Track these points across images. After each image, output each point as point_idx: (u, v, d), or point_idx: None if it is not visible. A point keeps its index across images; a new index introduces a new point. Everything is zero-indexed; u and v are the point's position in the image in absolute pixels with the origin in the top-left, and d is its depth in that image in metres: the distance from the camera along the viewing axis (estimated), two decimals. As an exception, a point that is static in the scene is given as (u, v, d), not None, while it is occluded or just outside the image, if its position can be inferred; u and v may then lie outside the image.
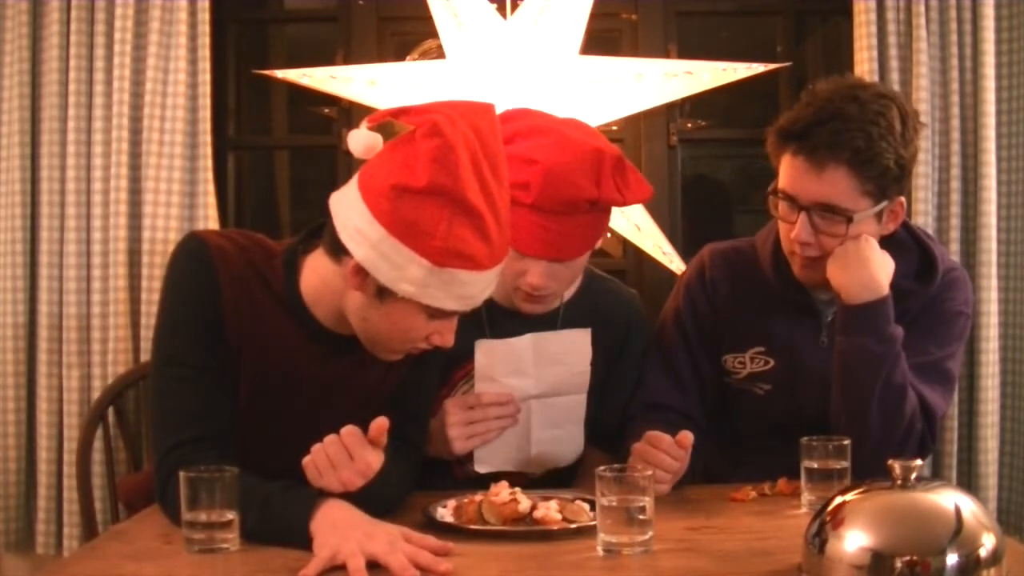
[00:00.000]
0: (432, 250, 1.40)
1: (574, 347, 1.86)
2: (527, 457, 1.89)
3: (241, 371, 1.57)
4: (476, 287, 1.47)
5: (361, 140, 1.51)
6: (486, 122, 1.46)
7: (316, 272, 1.56)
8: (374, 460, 1.45)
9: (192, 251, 1.57)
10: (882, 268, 1.76)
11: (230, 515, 1.37)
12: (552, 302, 1.86)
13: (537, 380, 1.85)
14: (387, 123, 1.56)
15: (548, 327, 1.90)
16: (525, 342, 1.84)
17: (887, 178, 1.72)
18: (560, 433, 1.90)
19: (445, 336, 1.53)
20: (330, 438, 1.43)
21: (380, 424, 1.44)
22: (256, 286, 1.57)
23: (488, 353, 1.83)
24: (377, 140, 1.52)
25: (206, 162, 2.64)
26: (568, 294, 1.94)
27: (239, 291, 1.55)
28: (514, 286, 1.80)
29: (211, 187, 2.64)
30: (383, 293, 1.46)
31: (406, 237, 1.40)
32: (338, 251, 1.49)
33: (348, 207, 1.46)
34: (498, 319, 1.90)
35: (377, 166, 1.47)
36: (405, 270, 1.42)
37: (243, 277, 1.56)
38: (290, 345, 1.58)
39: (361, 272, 1.45)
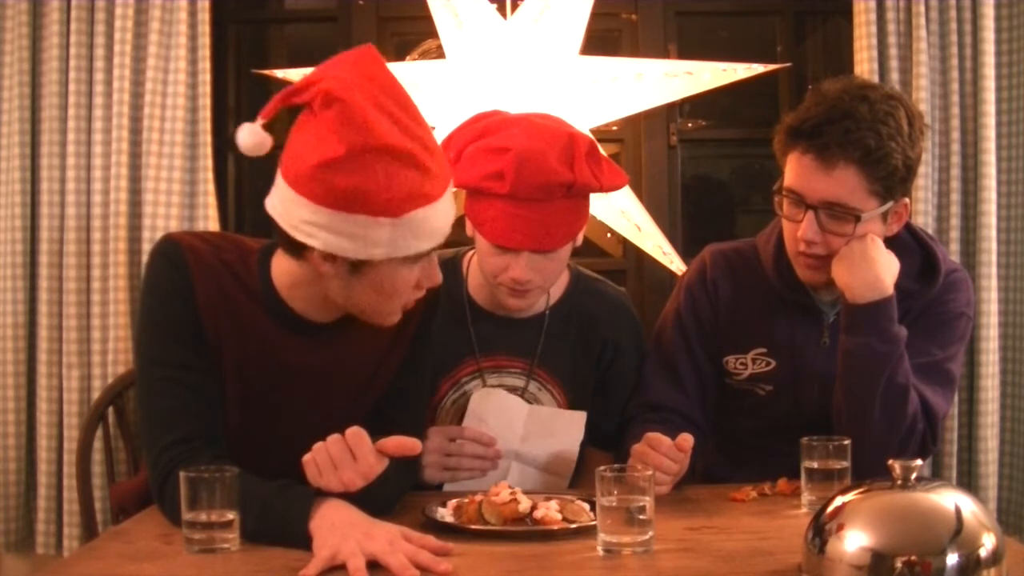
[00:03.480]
0: (384, 205, 1.39)
1: (567, 427, 1.86)
2: None
3: (225, 369, 1.57)
4: (439, 219, 1.46)
5: (248, 138, 1.48)
6: (374, 65, 1.45)
7: (284, 270, 1.56)
8: (377, 463, 1.44)
9: (165, 253, 1.57)
10: (887, 268, 1.76)
11: (230, 515, 1.36)
12: (537, 296, 1.85)
13: (523, 441, 1.84)
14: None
15: (534, 332, 1.90)
16: (522, 408, 1.85)
17: (894, 179, 1.72)
18: None
19: (432, 276, 1.53)
20: (333, 437, 1.42)
21: (408, 445, 1.44)
22: (230, 283, 1.57)
23: (483, 399, 1.84)
24: (265, 139, 1.49)
25: (206, 162, 2.64)
26: (554, 297, 1.93)
27: (213, 289, 1.56)
28: (497, 282, 1.79)
29: (211, 187, 2.65)
30: (356, 267, 1.45)
31: (354, 206, 1.40)
32: (296, 249, 1.48)
33: (287, 205, 1.45)
34: (483, 324, 1.90)
35: (295, 155, 1.45)
36: (369, 237, 1.41)
37: (216, 275, 1.56)
38: (269, 338, 1.58)
39: (328, 257, 1.45)
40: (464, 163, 1.75)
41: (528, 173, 1.68)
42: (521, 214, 1.70)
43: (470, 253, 1.96)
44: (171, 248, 1.57)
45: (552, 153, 1.69)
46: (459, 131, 1.82)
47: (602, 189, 1.77)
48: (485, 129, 1.76)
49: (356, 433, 1.43)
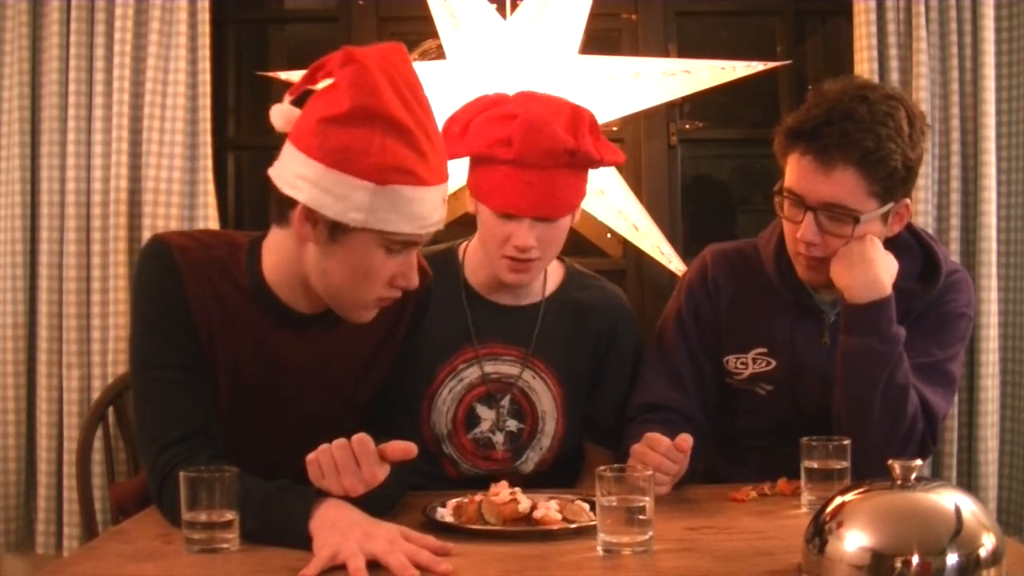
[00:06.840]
0: (370, 168, 1.40)
1: None
2: None
3: (217, 367, 1.57)
4: (424, 205, 1.45)
5: (282, 115, 1.51)
6: (399, 56, 1.48)
7: (273, 251, 1.57)
8: (380, 472, 1.44)
9: (155, 253, 1.57)
10: (886, 268, 1.76)
11: (230, 515, 1.36)
12: (537, 271, 1.87)
13: None
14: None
15: (530, 321, 1.92)
16: None
17: (894, 179, 1.72)
18: None
19: (408, 276, 1.51)
20: (339, 442, 1.41)
21: (407, 449, 1.43)
22: (220, 280, 1.57)
23: None
24: (294, 113, 1.51)
25: (206, 162, 2.64)
26: (549, 289, 1.95)
27: (203, 287, 1.56)
28: (500, 253, 1.81)
29: (211, 187, 2.65)
30: (335, 232, 1.45)
31: (342, 164, 1.41)
32: (284, 210, 1.49)
33: (284, 161, 1.47)
34: (479, 310, 1.92)
35: (305, 114, 1.47)
36: (350, 198, 1.42)
37: (206, 272, 1.57)
38: (260, 334, 1.58)
39: (309, 215, 1.45)
40: (472, 132, 1.81)
41: (535, 139, 1.74)
42: (526, 180, 1.75)
43: (466, 243, 1.98)
44: (160, 249, 1.57)
45: (558, 122, 1.76)
46: (465, 107, 1.88)
47: (602, 162, 1.83)
48: (492, 102, 1.84)
49: (362, 441, 1.42)
